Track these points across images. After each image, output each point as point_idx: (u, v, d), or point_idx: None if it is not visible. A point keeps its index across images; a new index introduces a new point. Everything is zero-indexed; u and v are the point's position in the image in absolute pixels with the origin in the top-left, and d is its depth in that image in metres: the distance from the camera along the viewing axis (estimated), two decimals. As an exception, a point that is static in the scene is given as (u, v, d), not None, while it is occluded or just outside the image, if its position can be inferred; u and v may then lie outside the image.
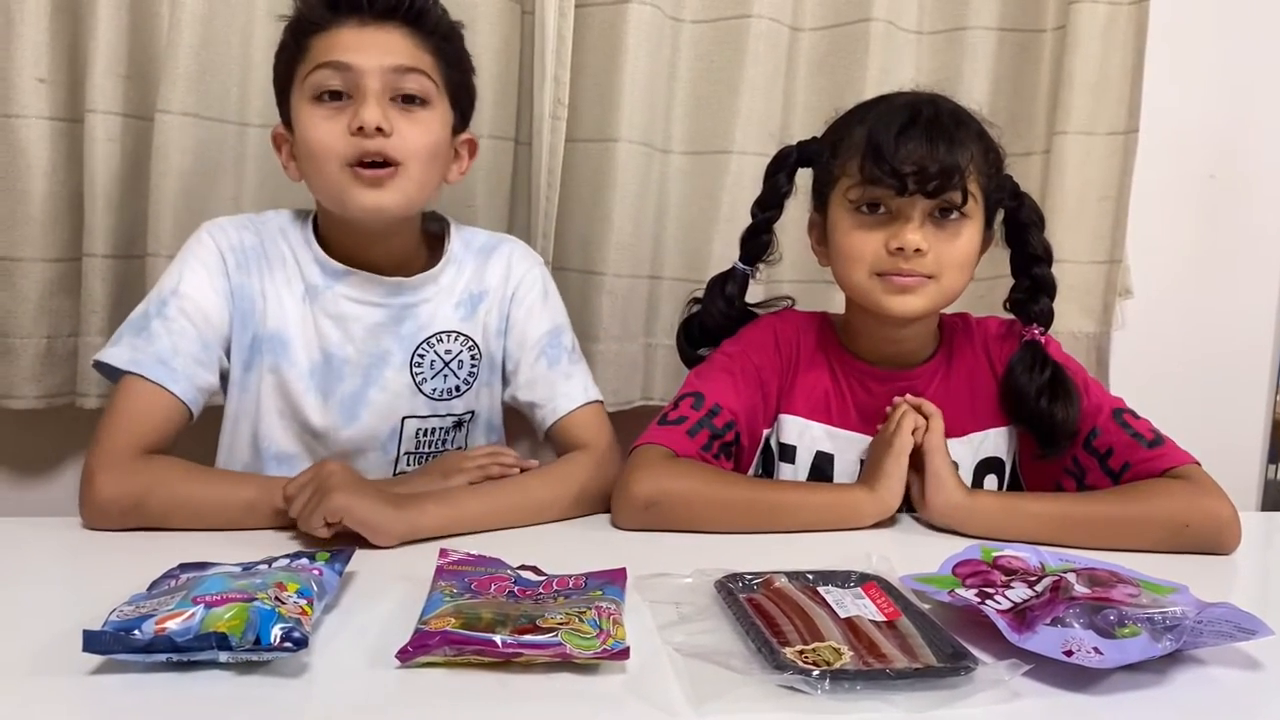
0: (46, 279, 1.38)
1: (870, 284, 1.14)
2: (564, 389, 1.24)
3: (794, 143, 1.26)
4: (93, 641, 0.67)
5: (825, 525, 1.08)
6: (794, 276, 1.57)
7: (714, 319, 1.29)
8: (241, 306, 1.17)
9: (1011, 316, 1.26)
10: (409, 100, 1.12)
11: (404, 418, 1.22)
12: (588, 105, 1.51)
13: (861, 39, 1.56)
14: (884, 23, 1.56)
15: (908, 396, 1.15)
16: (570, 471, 1.15)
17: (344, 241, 1.19)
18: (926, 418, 1.12)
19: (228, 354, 1.18)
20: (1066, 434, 1.16)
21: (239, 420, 1.21)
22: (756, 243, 1.28)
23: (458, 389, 1.24)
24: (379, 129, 1.09)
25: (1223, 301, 1.79)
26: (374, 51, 1.10)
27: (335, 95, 1.11)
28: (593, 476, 1.15)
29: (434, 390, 1.23)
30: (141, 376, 1.09)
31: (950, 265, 1.14)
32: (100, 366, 1.12)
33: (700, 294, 1.32)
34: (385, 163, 1.10)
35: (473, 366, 1.25)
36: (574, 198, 1.53)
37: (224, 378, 1.19)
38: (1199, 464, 1.12)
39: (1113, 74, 1.59)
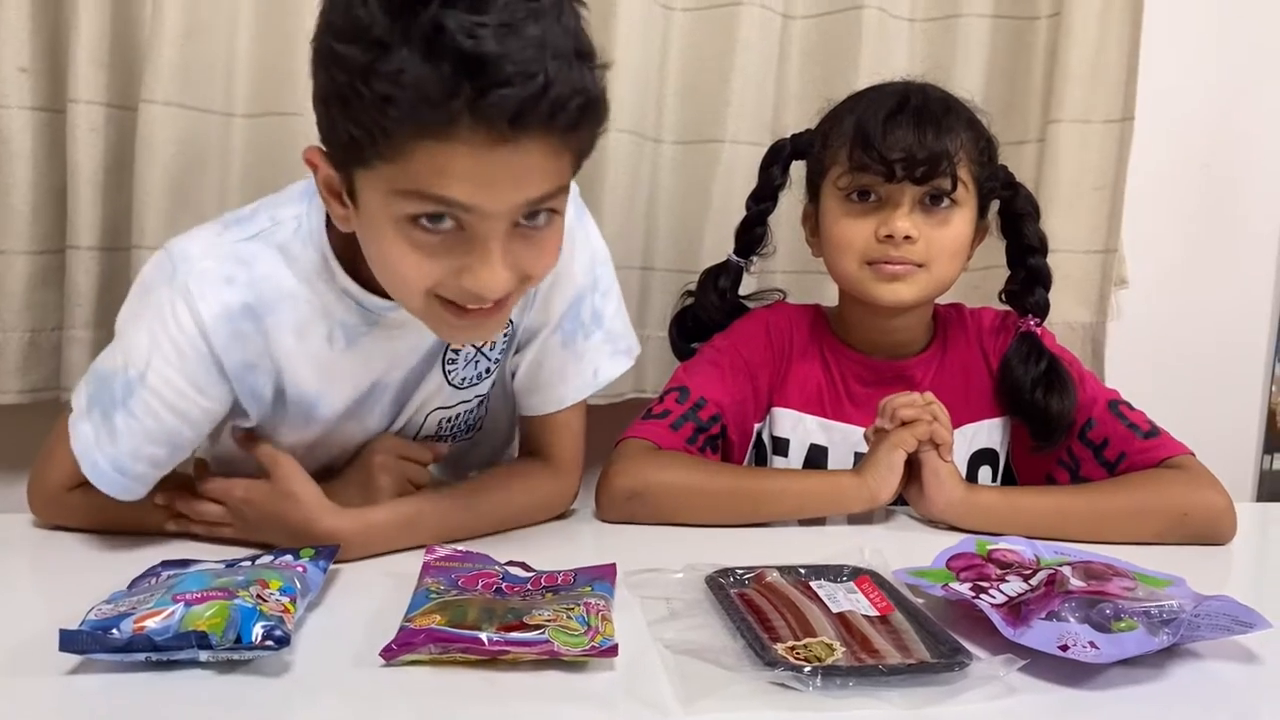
0: (29, 272, 1.36)
1: (860, 273, 1.14)
2: (572, 375, 1.08)
3: (788, 135, 1.26)
4: (70, 641, 0.66)
5: (810, 511, 1.07)
6: (786, 267, 1.55)
7: (707, 312, 1.28)
8: (246, 379, 0.94)
9: (1006, 308, 1.25)
10: (533, 216, 0.84)
11: (429, 411, 1.08)
12: (578, 94, 1.49)
13: (854, 27, 1.54)
14: (877, 10, 1.54)
15: (917, 394, 1.07)
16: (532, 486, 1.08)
17: None
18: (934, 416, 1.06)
19: (225, 420, 0.99)
20: (1062, 426, 1.15)
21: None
22: (751, 235, 1.28)
23: (488, 370, 1.09)
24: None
25: (1218, 291, 1.78)
26: (507, 186, 0.79)
27: (436, 217, 0.81)
28: (548, 499, 1.08)
29: (462, 380, 1.08)
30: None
31: (941, 253, 1.13)
32: None
33: (693, 287, 1.31)
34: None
35: (504, 346, 1.08)
36: (564, 188, 1.51)
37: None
38: (1194, 454, 1.12)
39: (1108, 62, 1.57)
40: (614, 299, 1.12)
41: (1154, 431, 1.14)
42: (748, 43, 1.51)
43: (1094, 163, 1.59)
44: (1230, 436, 1.80)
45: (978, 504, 1.06)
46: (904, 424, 1.06)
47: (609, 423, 1.22)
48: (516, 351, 1.10)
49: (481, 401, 1.15)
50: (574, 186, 0.98)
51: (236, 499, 0.94)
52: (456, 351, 1.05)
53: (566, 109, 0.77)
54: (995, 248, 1.26)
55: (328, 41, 0.79)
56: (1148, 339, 1.71)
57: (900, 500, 1.09)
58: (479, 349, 1.07)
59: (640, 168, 1.53)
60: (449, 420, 1.11)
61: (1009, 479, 1.24)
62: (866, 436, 1.10)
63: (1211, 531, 1.06)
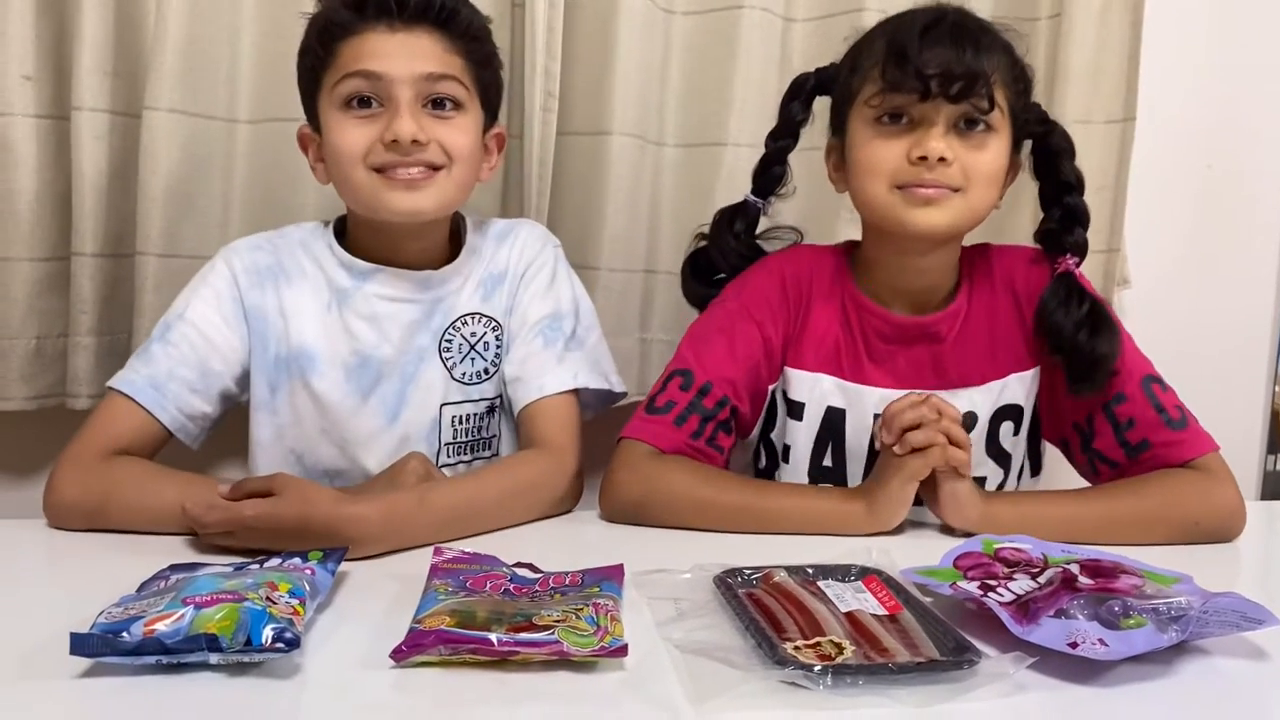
0: (34, 279, 1.37)
1: (890, 198, 1.08)
2: (553, 370, 1.18)
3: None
4: (80, 644, 0.66)
5: (816, 533, 1.04)
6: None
7: (723, 256, 1.24)
8: (259, 328, 1.16)
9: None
10: (439, 105, 1.12)
11: (441, 405, 1.19)
12: (579, 98, 1.50)
13: (855, 29, 1.55)
14: (877, 12, 1.54)
15: (925, 408, 1.01)
16: (517, 470, 1.11)
17: (374, 242, 1.18)
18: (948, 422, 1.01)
19: (245, 379, 1.16)
20: (1107, 368, 1.10)
21: (274, 444, 1.18)
22: (769, 175, 1.23)
23: (486, 372, 1.21)
24: (415, 141, 1.08)
25: (1221, 291, 1.78)
26: (404, 58, 1.09)
27: (365, 102, 1.10)
28: (543, 476, 1.10)
29: (464, 375, 1.20)
30: (127, 396, 1.08)
31: (977, 178, 1.07)
32: None
33: (707, 229, 1.27)
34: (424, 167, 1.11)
35: (498, 348, 1.22)
36: (566, 191, 1.51)
37: (233, 401, 1.18)
38: (1218, 450, 1.09)
39: (1109, 62, 1.58)
40: (596, 339, 1.26)
41: (1183, 421, 1.10)
42: (749, 46, 1.52)
43: (1096, 163, 1.59)
44: (1234, 437, 1.77)
45: (994, 519, 1.02)
46: (915, 449, 1.01)
47: (612, 426, 1.22)
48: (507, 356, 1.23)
49: (491, 409, 1.22)
50: (556, 241, 1.29)
51: (246, 519, 0.91)
52: (450, 340, 1.19)
53: (444, 9, 1.10)
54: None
55: None
56: (1150, 339, 1.68)
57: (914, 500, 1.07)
58: (472, 346, 1.21)
59: (642, 171, 1.53)
60: (461, 419, 1.21)
61: (1034, 431, 1.20)
62: (875, 436, 1.07)
63: (1220, 533, 1.06)
